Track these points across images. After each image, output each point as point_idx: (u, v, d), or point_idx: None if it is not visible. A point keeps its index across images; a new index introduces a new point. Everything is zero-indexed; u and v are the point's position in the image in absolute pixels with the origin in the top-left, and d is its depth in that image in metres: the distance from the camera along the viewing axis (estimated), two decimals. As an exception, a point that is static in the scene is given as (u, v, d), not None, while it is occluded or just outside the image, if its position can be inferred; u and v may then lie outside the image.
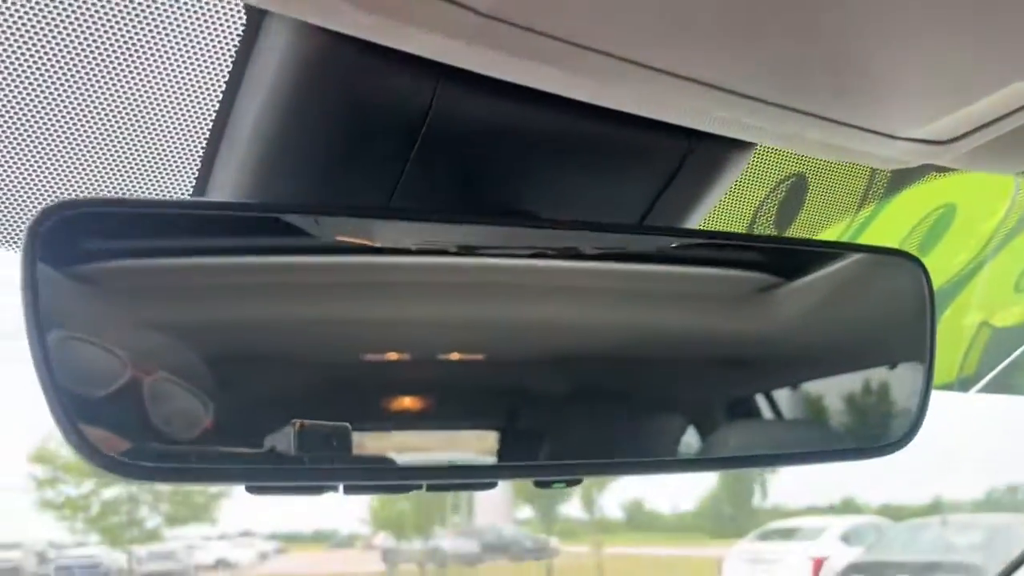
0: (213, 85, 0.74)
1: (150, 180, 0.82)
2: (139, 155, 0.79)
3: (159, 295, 0.68)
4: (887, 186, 1.18)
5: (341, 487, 0.66)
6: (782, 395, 0.89)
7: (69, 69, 0.71)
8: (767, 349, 0.90)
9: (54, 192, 0.79)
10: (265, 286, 0.73)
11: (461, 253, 0.78)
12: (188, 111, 0.76)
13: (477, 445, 0.78)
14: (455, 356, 0.78)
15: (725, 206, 1.11)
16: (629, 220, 0.86)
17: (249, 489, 0.64)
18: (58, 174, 0.78)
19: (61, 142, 0.76)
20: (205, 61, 0.73)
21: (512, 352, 0.80)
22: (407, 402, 0.75)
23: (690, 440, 0.85)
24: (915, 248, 1.35)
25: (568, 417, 0.82)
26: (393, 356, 0.76)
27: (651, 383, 0.87)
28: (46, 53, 0.70)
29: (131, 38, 0.70)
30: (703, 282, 0.90)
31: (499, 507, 30.38)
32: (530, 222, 0.79)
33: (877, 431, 0.89)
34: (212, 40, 0.72)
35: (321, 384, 0.74)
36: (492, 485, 0.71)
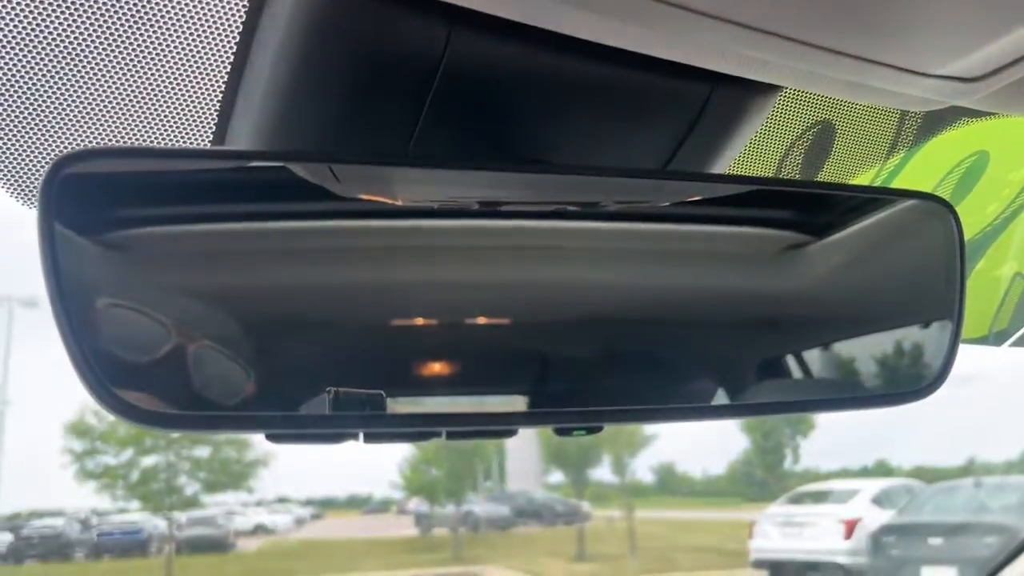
0: (227, 35, 0.74)
1: (169, 135, 0.82)
2: (157, 110, 0.79)
3: (180, 259, 0.69)
4: (916, 133, 1.15)
5: (361, 435, 0.66)
6: (810, 349, 0.88)
7: (82, 23, 0.71)
8: (794, 306, 0.89)
9: (70, 146, 0.79)
10: (289, 250, 0.73)
11: (484, 212, 0.78)
12: (203, 63, 0.76)
13: (498, 395, 0.78)
14: (480, 317, 0.78)
15: (750, 156, 1.09)
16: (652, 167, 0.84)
17: (269, 437, 0.65)
18: (75, 129, 0.79)
19: (77, 98, 0.76)
20: (218, 11, 0.72)
21: (537, 312, 0.80)
22: (431, 362, 0.75)
23: (716, 389, 0.85)
24: (946, 197, 1.32)
25: (591, 370, 0.82)
26: (418, 318, 0.76)
27: (677, 339, 0.87)
28: (59, 6, 0.69)
29: (143, -11, 0.70)
30: (729, 240, 0.89)
31: (530, 472, 30.63)
32: (551, 168, 0.78)
33: (905, 378, 0.88)
34: (225, -11, 0.71)
35: (346, 345, 0.74)
36: (512, 432, 0.71)
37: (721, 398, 0.84)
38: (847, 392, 0.89)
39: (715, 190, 0.86)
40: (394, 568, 17.25)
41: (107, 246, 0.63)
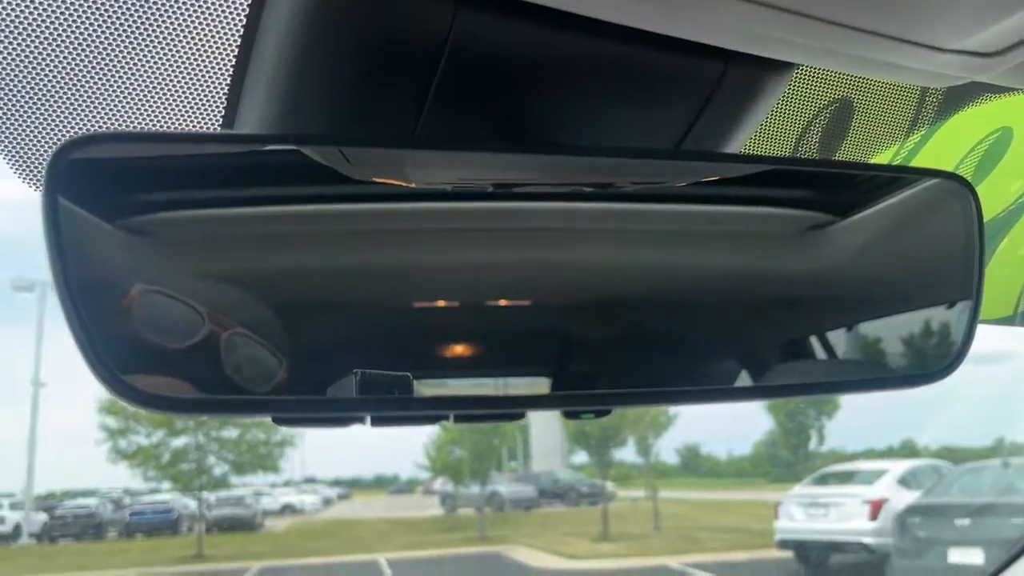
0: (233, 19, 0.74)
1: (177, 120, 0.82)
2: (165, 95, 0.79)
3: (189, 244, 0.69)
4: (937, 110, 1.12)
5: (368, 419, 0.66)
6: (830, 331, 0.87)
7: (90, 8, 0.71)
8: (813, 287, 0.88)
9: (79, 131, 0.79)
10: (298, 235, 0.74)
11: (498, 194, 0.77)
12: (211, 48, 0.76)
13: (510, 378, 0.78)
14: (495, 299, 0.78)
15: (766, 135, 1.07)
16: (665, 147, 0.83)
17: (276, 420, 0.65)
18: (83, 114, 0.79)
19: (86, 83, 0.76)
20: (224, -4, 0.72)
21: (552, 295, 0.80)
22: (445, 344, 0.75)
23: (735, 371, 0.84)
24: (968, 175, 1.30)
25: (606, 352, 0.81)
26: (432, 301, 0.76)
27: (696, 321, 0.86)
28: (68, -7, 0.70)
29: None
30: (749, 221, 0.89)
31: (555, 453, 30.74)
32: (562, 149, 0.77)
33: (923, 359, 0.87)
34: (230, -27, 0.71)
35: (355, 328, 0.74)
36: (520, 416, 0.71)
37: (740, 380, 0.84)
38: (865, 374, 0.88)
39: (730, 170, 0.85)
40: (420, 547, 17.41)
41: (113, 230, 0.63)
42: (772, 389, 0.89)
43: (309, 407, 0.66)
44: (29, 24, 0.71)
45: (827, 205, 0.88)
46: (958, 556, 9.07)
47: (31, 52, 0.73)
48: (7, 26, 0.71)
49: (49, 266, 0.56)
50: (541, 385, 0.78)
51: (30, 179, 0.82)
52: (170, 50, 0.75)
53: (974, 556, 8.81)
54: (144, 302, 0.63)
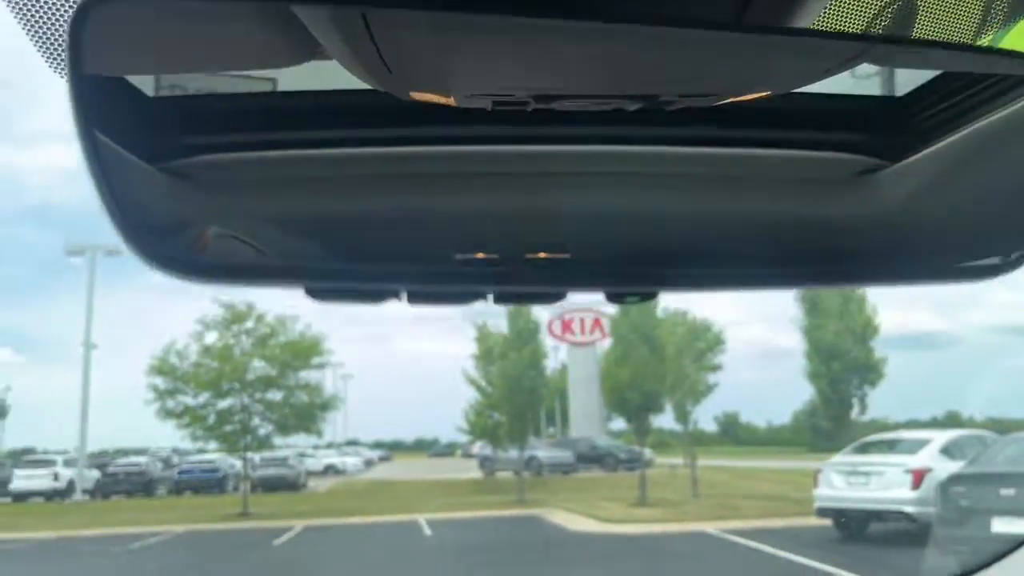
0: None
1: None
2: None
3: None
4: (1007, 12, 1.05)
5: (405, 294, 0.64)
6: (880, 282, 0.85)
7: None
8: (863, 232, 0.85)
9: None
10: (346, 176, 0.74)
11: (539, 115, 0.75)
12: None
13: (550, 267, 0.77)
14: (535, 244, 0.78)
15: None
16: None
17: (309, 292, 0.63)
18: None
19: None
20: None
21: (596, 239, 0.79)
22: (491, 242, 0.75)
23: (773, 261, 0.82)
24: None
25: (648, 256, 0.80)
26: (480, 216, 0.79)
27: (739, 240, 0.84)
28: None
29: None
30: (799, 165, 0.86)
31: (593, 419, 30.87)
32: (610, 16, 0.73)
33: (977, 256, 0.82)
34: None
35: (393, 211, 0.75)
36: (561, 296, 0.68)
37: (786, 267, 0.81)
38: (918, 267, 0.85)
39: (793, 46, 0.78)
40: (460, 509, 17.64)
41: (155, 171, 0.63)
42: (811, 275, 0.85)
43: (344, 276, 0.65)
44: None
45: (886, 147, 0.85)
46: (1002, 526, 8.93)
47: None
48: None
49: (97, 195, 0.55)
50: (584, 270, 0.76)
51: (53, 57, 0.80)
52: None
53: (1018, 526, 8.67)
54: (215, 245, 0.64)
